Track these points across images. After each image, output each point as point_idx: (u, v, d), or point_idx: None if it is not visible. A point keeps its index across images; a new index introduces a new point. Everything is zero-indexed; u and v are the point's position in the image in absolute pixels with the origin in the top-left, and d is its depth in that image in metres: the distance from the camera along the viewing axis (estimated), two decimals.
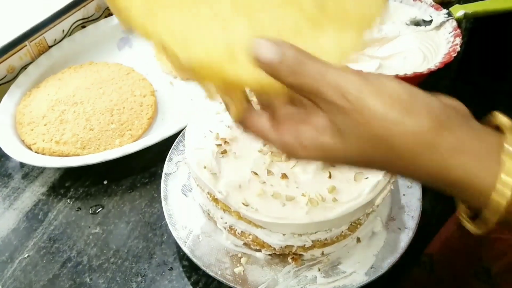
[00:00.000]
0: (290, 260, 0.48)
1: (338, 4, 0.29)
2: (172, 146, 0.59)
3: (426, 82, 0.69)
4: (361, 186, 0.43)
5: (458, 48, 0.64)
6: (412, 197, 0.52)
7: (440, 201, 0.56)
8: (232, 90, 0.28)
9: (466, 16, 0.71)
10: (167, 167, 0.57)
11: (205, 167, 0.46)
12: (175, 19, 0.27)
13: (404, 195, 0.52)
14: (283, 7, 0.28)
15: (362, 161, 0.27)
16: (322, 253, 0.48)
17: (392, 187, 0.47)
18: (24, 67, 0.74)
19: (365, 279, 0.46)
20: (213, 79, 0.27)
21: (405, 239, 0.49)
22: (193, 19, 0.27)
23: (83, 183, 0.62)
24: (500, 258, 0.49)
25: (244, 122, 0.29)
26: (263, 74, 0.26)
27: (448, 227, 0.62)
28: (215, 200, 0.46)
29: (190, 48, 0.26)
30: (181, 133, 0.61)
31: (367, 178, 0.44)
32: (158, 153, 0.62)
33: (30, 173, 0.64)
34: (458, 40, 0.66)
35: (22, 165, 0.65)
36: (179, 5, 0.27)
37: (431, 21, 0.71)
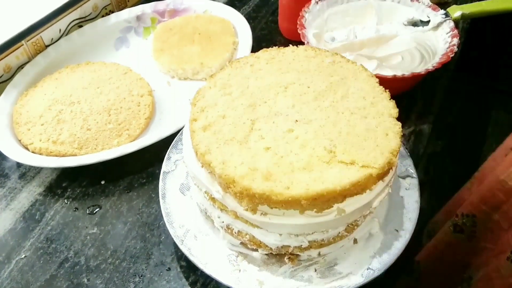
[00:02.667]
0: (286, 260, 0.48)
1: (347, 154, 0.41)
2: (171, 145, 0.59)
3: (423, 82, 0.69)
4: None
5: (456, 49, 0.64)
6: (410, 199, 0.52)
7: (437, 203, 0.56)
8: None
9: (463, 16, 0.71)
10: (165, 166, 0.57)
11: (202, 167, 0.46)
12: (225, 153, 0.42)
13: (402, 196, 0.52)
14: (302, 149, 0.42)
15: None
16: (319, 254, 0.48)
17: (390, 190, 0.47)
18: (21, 67, 0.74)
19: (361, 280, 0.46)
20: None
21: (402, 241, 0.49)
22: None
23: (81, 183, 0.62)
24: (482, 267, 0.50)
25: None
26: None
27: (438, 237, 0.62)
28: (213, 199, 0.46)
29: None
30: (180, 131, 0.61)
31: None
32: (155, 153, 0.62)
33: (27, 173, 0.64)
34: (456, 41, 0.66)
35: (19, 165, 0.64)
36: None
37: (428, 21, 0.71)
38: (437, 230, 0.70)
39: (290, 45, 0.53)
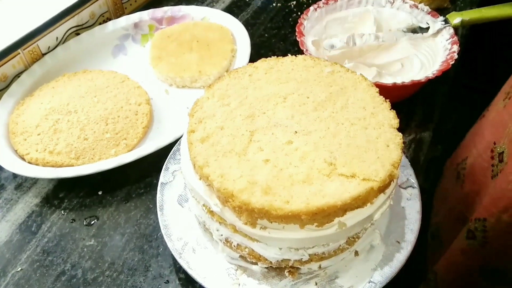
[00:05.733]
0: (286, 274, 0.48)
1: (348, 167, 0.40)
2: (169, 155, 0.58)
3: (423, 88, 0.69)
4: None
5: (456, 56, 0.64)
6: (411, 209, 0.52)
7: (438, 213, 0.55)
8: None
9: (463, 23, 0.70)
10: (163, 177, 0.56)
11: (200, 179, 0.45)
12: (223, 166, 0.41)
13: (403, 207, 0.52)
14: (301, 161, 0.41)
15: None
16: (320, 267, 0.47)
17: (392, 202, 0.46)
18: (17, 75, 0.73)
19: None
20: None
21: (404, 252, 0.48)
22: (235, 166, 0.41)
23: (77, 194, 0.61)
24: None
25: None
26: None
27: (452, 252, 0.61)
28: (211, 212, 0.45)
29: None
30: (178, 141, 0.60)
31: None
32: (153, 163, 0.62)
33: (23, 184, 0.63)
34: (456, 48, 0.65)
35: (15, 175, 0.64)
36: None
37: (428, 28, 0.71)
38: (441, 231, 0.69)
39: (289, 54, 0.53)
